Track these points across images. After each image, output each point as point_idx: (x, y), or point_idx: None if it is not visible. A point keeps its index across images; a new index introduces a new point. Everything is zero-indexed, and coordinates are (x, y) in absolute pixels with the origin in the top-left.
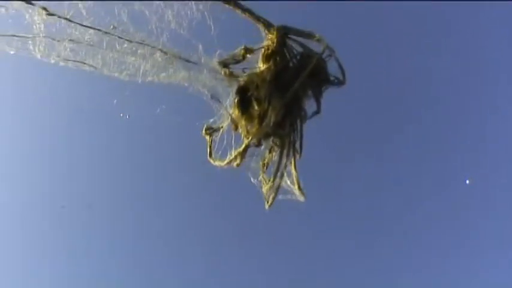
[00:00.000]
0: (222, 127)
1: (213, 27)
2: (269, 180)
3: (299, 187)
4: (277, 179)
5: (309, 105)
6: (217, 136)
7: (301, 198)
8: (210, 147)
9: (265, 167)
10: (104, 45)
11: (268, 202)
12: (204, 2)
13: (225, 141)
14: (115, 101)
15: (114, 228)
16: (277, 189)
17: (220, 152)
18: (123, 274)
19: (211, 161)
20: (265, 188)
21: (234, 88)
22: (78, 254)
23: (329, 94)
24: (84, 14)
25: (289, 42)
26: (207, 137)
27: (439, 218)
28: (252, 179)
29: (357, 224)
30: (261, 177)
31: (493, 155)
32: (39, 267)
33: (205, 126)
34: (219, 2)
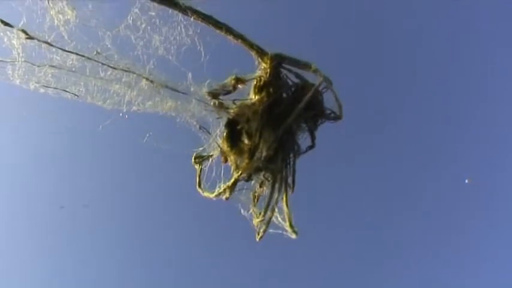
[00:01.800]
0: (211, 156)
1: (203, 54)
2: (260, 214)
3: (290, 224)
4: (268, 213)
5: (303, 138)
6: (206, 166)
7: (293, 236)
8: (199, 177)
9: (255, 200)
10: (87, 71)
11: (258, 235)
12: (194, 26)
13: (214, 173)
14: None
15: (113, 228)
16: (268, 223)
17: (209, 183)
18: (123, 274)
19: (200, 191)
20: (256, 221)
21: (224, 120)
22: (78, 254)
23: None
24: (66, 38)
25: (284, 71)
26: (197, 166)
27: (439, 218)
28: (242, 211)
29: (357, 223)
30: (251, 210)
31: (493, 154)
32: (39, 267)
33: (194, 155)
34: (210, 27)
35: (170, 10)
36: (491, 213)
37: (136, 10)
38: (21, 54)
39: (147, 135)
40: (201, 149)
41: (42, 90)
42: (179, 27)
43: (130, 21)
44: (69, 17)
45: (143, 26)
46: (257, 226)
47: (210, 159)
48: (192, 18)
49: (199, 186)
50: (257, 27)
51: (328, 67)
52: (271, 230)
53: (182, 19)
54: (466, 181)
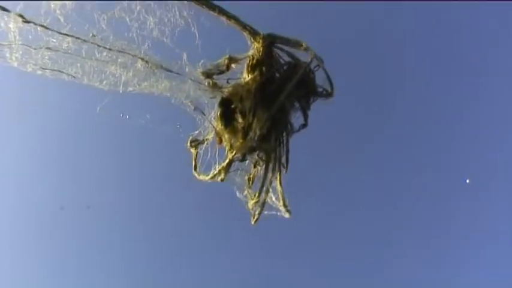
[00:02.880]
0: (207, 139)
1: (197, 35)
2: (254, 196)
3: (284, 204)
4: (263, 195)
5: (296, 117)
6: (201, 149)
7: (287, 215)
8: (195, 160)
9: (250, 182)
10: (83, 53)
11: (254, 217)
12: (188, 8)
13: (209, 155)
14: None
15: (113, 229)
16: (263, 205)
17: (205, 165)
18: (122, 274)
19: (196, 175)
20: (250, 204)
21: (218, 99)
22: (77, 254)
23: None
24: (62, 21)
25: (276, 51)
26: (192, 150)
27: (439, 218)
28: (237, 194)
29: (357, 223)
30: (246, 192)
31: (493, 154)
32: (39, 267)
33: (190, 138)
34: (204, 8)
35: None
36: (491, 213)
37: None
38: (18, 38)
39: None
40: (196, 132)
41: (39, 72)
42: (173, 9)
43: (125, 4)
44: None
45: (138, 8)
46: (252, 209)
47: (206, 143)
48: (185, 0)
49: (195, 169)
50: (253, 12)
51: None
52: (265, 212)
53: (176, 1)
54: (467, 181)
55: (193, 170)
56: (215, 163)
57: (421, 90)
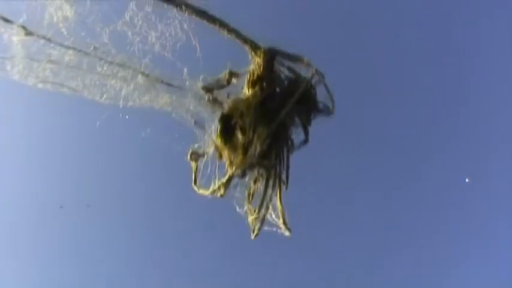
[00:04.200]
0: (207, 153)
1: (198, 49)
2: (254, 211)
3: (284, 222)
4: (263, 211)
5: (297, 134)
6: (202, 162)
7: (287, 233)
8: (195, 174)
9: (250, 198)
10: (84, 66)
11: (254, 232)
12: (189, 22)
13: (208, 169)
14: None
15: (112, 228)
16: (263, 221)
17: (204, 179)
18: (121, 274)
19: (196, 188)
20: (250, 219)
21: (218, 114)
22: (77, 253)
23: None
24: (65, 33)
25: (277, 65)
26: (192, 163)
27: (439, 218)
28: (237, 209)
29: (356, 223)
30: (246, 208)
31: (493, 154)
32: (39, 267)
33: (190, 151)
34: (205, 22)
35: (165, 5)
36: (491, 213)
37: (133, 7)
38: (20, 51)
39: (146, 130)
40: (196, 145)
41: (40, 85)
42: (174, 23)
43: (128, 18)
44: (67, 14)
45: (140, 22)
46: (252, 224)
47: (206, 156)
48: (186, 14)
49: (195, 183)
50: (253, 23)
51: (324, 64)
52: (265, 228)
53: (177, 15)
54: (467, 180)
55: (192, 184)
56: (215, 177)
57: (420, 89)
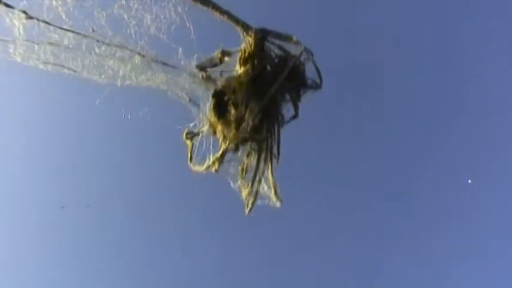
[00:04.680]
0: (202, 131)
1: (192, 30)
2: (248, 186)
3: (276, 193)
4: (256, 184)
5: (287, 109)
6: (197, 140)
7: (278, 204)
8: (191, 152)
9: (244, 172)
10: (83, 48)
11: (247, 207)
12: (182, 4)
13: (204, 146)
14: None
15: (112, 228)
16: (256, 195)
17: (200, 156)
18: (121, 273)
19: (192, 166)
20: (244, 194)
21: (212, 92)
22: (77, 253)
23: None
24: (64, 17)
25: (267, 44)
26: (188, 142)
27: (439, 218)
28: (231, 185)
29: (356, 222)
30: (239, 182)
31: (493, 154)
32: (39, 267)
33: (185, 130)
34: (198, 4)
35: None
36: (491, 213)
37: None
38: (21, 33)
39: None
40: (191, 124)
41: (41, 66)
42: (169, 6)
43: (123, 1)
44: None
45: (135, 6)
46: (246, 199)
47: (201, 135)
48: None
49: (191, 160)
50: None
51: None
52: (258, 203)
53: None
54: (469, 181)
55: (188, 161)
56: (209, 154)
57: (419, 89)
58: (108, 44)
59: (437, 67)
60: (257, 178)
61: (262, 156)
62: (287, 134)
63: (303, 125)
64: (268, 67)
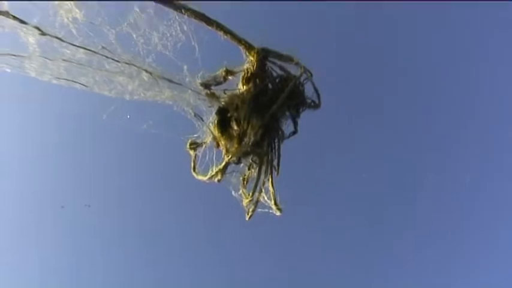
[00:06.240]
0: (205, 142)
1: (197, 49)
2: (249, 195)
3: (275, 203)
4: (256, 194)
5: (287, 125)
6: (200, 151)
7: (278, 213)
8: (194, 161)
9: (245, 182)
10: (94, 64)
11: (248, 214)
12: (188, 24)
13: (207, 157)
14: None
15: (113, 228)
16: (257, 203)
17: (203, 166)
18: (121, 273)
19: (195, 175)
20: (245, 202)
21: (216, 108)
22: (77, 253)
23: None
24: (75, 33)
25: (269, 64)
26: (191, 152)
27: (439, 218)
28: (233, 193)
29: (356, 222)
30: (241, 192)
31: (493, 154)
32: (39, 265)
33: (189, 141)
34: (203, 24)
35: (167, 9)
36: (492, 213)
37: (137, 9)
38: (36, 49)
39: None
40: (195, 135)
41: (54, 81)
42: (175, 25)
43: (132, 20)
44: (77, 16)
45: (143, 24)
46: (246, 206)
47: (204, 146)
48: (186, 16)
49: (194, 170)
50: (248, 26)
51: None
52: (258, 210)
53: (177, 17)
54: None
55: (191, 171)
56: (212, 165)
57: (419, 90)
58: (117, 61)
59: (439, 62)
60: (258, 188)
61: (263, 168)
62: (287, 147)
63: (302, 136)
64: (270, 86)
